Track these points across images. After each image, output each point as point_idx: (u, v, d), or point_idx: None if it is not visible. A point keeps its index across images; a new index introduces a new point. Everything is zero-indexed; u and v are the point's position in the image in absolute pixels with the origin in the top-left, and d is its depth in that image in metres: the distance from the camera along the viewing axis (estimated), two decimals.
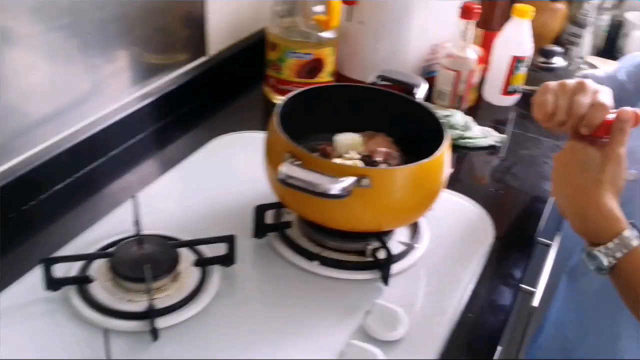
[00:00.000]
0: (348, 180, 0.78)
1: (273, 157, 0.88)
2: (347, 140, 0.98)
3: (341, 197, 0.77)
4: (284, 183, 0.78)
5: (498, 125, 1.34)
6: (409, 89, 1.03)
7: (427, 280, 0.93)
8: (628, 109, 0.77)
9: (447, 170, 0.91)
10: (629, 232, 0.75)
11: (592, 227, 0.78)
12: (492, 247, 1.00)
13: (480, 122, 1.33)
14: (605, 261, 0.76)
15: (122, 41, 1.09)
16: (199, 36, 1.27)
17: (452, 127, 1.26)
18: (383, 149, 0.97)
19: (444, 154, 0.88)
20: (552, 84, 0.82)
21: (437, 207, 1.02)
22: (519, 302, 1.21)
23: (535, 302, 1.04)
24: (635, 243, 0.75)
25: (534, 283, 1.10)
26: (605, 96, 0.79)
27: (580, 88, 0.79)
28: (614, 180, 0.77)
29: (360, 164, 0.93)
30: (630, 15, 1.66)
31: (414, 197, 0.87)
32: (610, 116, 0.78)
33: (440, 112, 1.27)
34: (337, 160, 0.92)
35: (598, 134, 0.78)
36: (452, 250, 0.99)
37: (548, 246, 1.12)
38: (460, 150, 1.25)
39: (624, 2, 1.65)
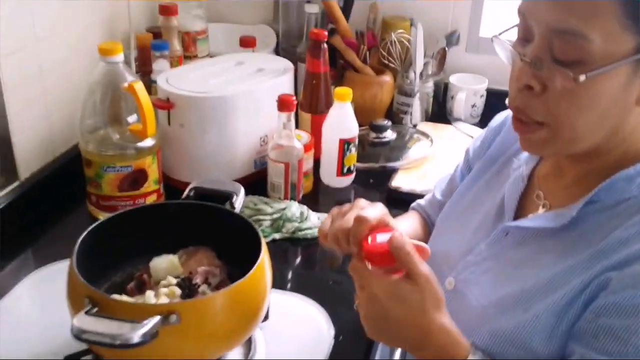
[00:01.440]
0: (150, 323, 0.72)
1: (73, 302, 0.81)
2: (164, 264, 0.93)
3: (144, 343, 0.71)
4: (80, 339, 0.71)
5: None
6: (226, 197, 1.00)
7: None
8: (397, 234, 0.74)
9: (268, 279, 0.88)
10: (472, 357, 0.73)
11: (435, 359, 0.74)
12: (332, 346, 0.97)
13: (321, 207, 1.32)
14: None
15: None
16: (7, 161, 1.18)
17: (288, 219, 1.23)
18: (203, 268, 0.92)
19: (262, 267, 0.85)
20: (335, 208, 0.83)
21: (273, 313, 0.98)
22: None
23: None
24: None
25: None
26: (370, 211, 0.78)
27: (354, 206, 0.80)
28: (435, 300, 0.73)
29: (176, 290, 0.87)
30: (453, 79, 1.73)
31: (233, 321, 0.82)
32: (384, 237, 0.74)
33: (275, 206, 1.27)
34: (149, 294, 0.86)
35: (387, 265, 0.74)
36: (292, 357, 0.95)
37: None
38: (300, 243, 1.23)
39: (445, 67, 1.72)
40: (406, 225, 1.08)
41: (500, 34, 0.77)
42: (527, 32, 0.73)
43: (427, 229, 1.09)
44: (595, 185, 0.76)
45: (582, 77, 0.68)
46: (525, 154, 0.90)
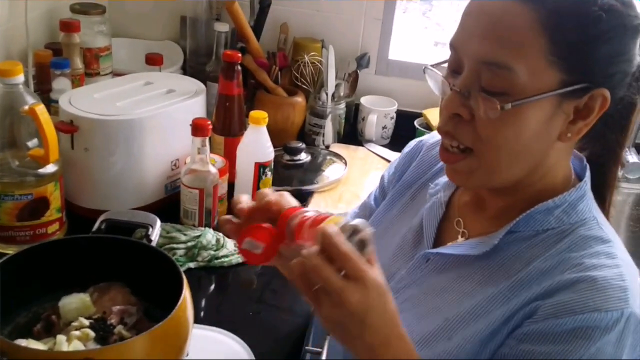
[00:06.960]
0: None
1: None
2: (74, 304, 0.86)
3: None
4: None
5: None
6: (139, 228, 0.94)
7: None
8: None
9: (190, 317, 0.83)
10: None
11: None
12: None
13: None
14: None
15: None
16: None
17: (203, 247, 1.18)
18: (118, 307, 0.86)
19: (184, 306, 0.80)
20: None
21: (192, 350, 0.93)
22: None
23: None
24: None
25: None
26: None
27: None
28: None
29: (90, 333, 0.81)
30: (364, 100, 1.74)
31: None
32: None
33: (189, 233, 1.21)
34: (60, 338, 0.79)
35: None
36: None
37: (319, 354, 1.09)
38: (216, 272, 1.18)
39: (357, 89, 1.73)
40: None
41: (432, 65, 0.79)
42: (458, 65, 0.75)
43: None
44: (516, 219, 0.78)
45: (508, 106, 0.70)
46: (443, 180, 0.91)
